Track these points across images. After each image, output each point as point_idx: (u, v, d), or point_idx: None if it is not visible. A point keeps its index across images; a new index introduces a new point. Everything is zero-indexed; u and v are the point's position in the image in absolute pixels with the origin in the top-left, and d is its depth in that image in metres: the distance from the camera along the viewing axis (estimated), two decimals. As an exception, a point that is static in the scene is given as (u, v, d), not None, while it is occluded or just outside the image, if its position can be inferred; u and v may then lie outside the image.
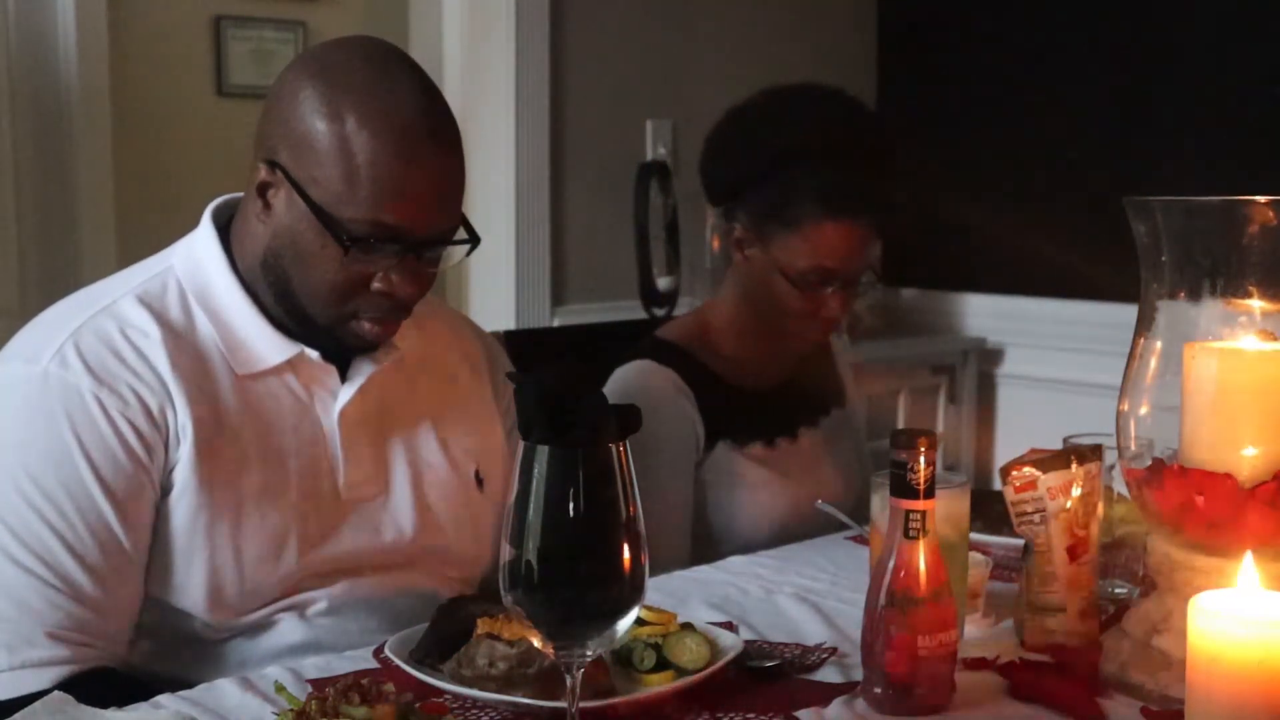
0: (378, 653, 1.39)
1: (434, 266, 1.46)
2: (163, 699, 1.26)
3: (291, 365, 1.48)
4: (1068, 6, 3.35)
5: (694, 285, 3.16)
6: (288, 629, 1.46)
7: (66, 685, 1.27)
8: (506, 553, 0.98)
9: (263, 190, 1.43)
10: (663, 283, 3.13)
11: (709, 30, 3.32)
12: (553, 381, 1.01)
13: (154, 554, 1.41)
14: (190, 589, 1.41)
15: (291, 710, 1.10)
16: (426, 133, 1.39)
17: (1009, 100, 3.45)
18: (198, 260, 1.49)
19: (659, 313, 3.06)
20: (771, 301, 1.98)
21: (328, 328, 1.46)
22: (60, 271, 2.80)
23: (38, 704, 1.15)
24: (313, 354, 1.48)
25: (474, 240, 1.49)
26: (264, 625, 1.45)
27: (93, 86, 2.73)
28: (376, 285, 1.41)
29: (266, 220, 1.44)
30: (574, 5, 3.09)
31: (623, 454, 0.99)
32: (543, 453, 0.97)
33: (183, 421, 1.40)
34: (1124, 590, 1.56)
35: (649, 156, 3.20)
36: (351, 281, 1.41)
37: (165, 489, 1.41)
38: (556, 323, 3.06)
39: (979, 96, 3.51)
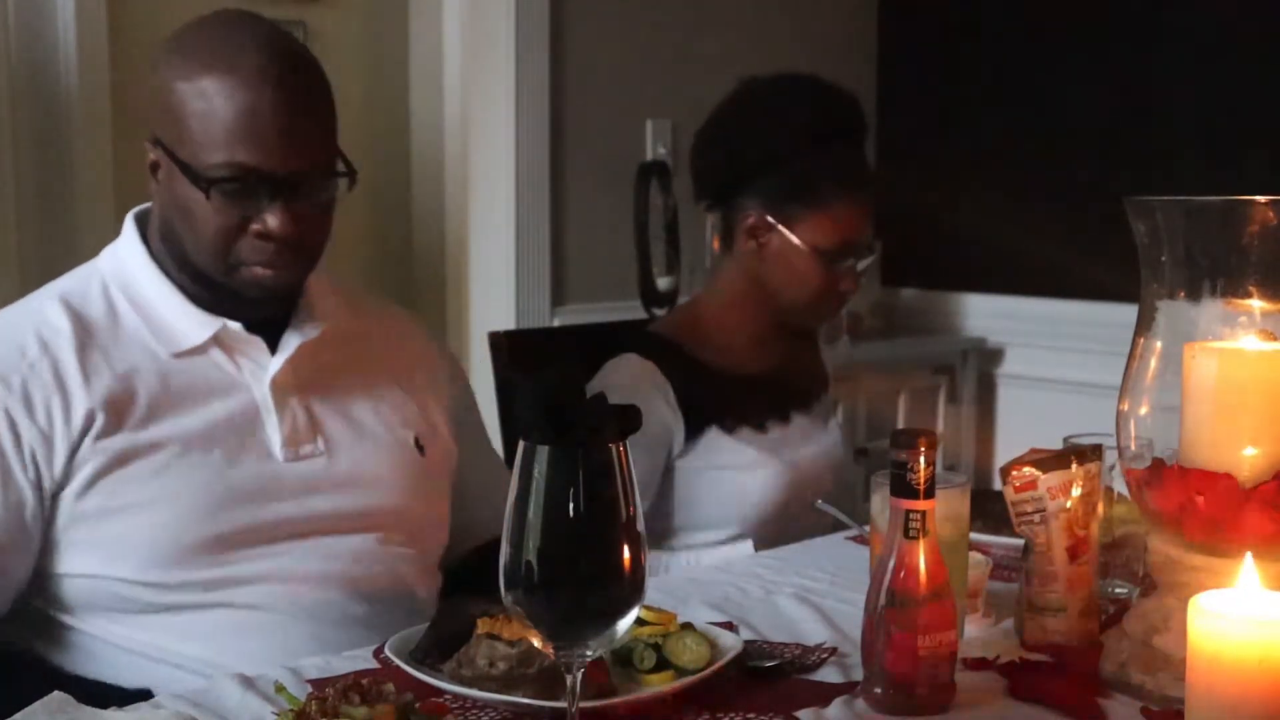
0: (378, 653, 1.39)
1: (314, 207, 1.51)
2: (163, 699, 1.26)
3: (218, 341, 1.54)
4: (1068, 6, 3.35)
5: (694, 285, 3.15)
6: (241, 596, 1.48)
7: None
8: (506, 553, 0.98)
9: (154, 169, 1.52)
10: (663, 283, 3.13)
11: (709, 30, 3.32)
12: (552, 382, 1.01)
13: (79, 533, 1.45)
14: (128, 554, 1.45)
15: (291, 710, 1.10)
16: (269, 71, 1.45)
17: (1009, 101, 3.45)
18: (121, 258, 1.58)
19: (659, 312, 3.05)
20: (793, 282, 2.05)
21: (223, 281, 1.51)
22: (60, 271, 2.79)
23: (37, 704, 1.15)
24: (234, 325, 1.54)
25: (350, 174, 1.54)
26: (215, 588, 1.47)
27: (93, 86, 2.73)
28: (254, 227, 1.47)
29: (159, 195, 1.53)
30: (574, 5, 3.09)
31: (623, 454, 0.98)
32: (543, 453, 0.97)
33: (84, 413, 1.45)
34: (1124, 590, 1.56)
35: (649, 156, 3.20)
36: (229, 228, 1.47)
37: (64, 479, 1.45)
38: (556, 323, 3.06)
39: (979, 97, 3.51)
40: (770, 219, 2.04)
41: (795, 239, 2.03)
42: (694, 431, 2.03)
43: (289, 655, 1.44)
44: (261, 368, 1.55)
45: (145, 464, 1.47)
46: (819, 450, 2.13)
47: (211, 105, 1.44)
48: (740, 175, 2.07)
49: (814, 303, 2.08)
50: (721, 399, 2.05)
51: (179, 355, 1.52)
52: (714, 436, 2.04)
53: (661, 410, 2.01)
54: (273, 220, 1.46)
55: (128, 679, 1.46)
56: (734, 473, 2.03)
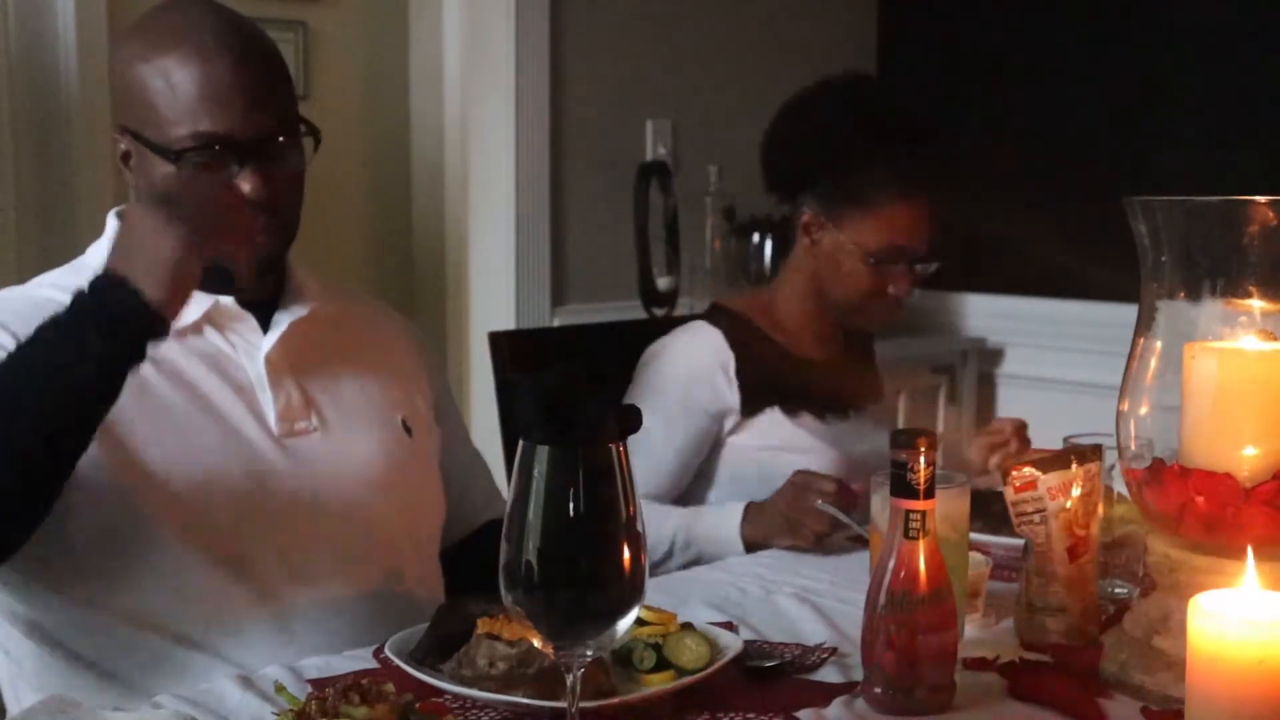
0: (378, 653, 1.39)
1: (284, 171, 1.52)
2: (163, 699, 1.26)
3: (210, 319, 1.55)
4: (1068, 6, 3.35)
5: (694, 285, 3.16)
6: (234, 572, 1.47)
7: None
8: (506, 553, 0.98)
9: (126, 160, 1.54)
10: (663, 283, 3.13)
11: (709, 30, 3.32)
12: (552, 381, 1.01)
13: (79, 491, 1.41)
14: (163, 515, 1.43)
15: (291, 710, 1.10)
16: (224, 43, 1.48)
17: (1009, 101, 3.45)
18: (106, 252, 1.56)
19: (659, 313, 3.06)
20: (843, 281, 2.12)
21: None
22: (60, 271, 2.79)
23: (37, 704, 1.15)
24: (226, 300, 1.55)
25: (314, 133, 1.56)
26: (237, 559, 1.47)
27: (93, 86, 2.73)
28: None
29: (134, 183, 1.55)
30: (574, 5, 3.09)
31: (623, 454, 0.98)
32: (543, 453, 0.97)
33: None
34: (1124, 590, 1.56)
35: (649, 156, 3.20)
36: None
37: None
38: (556, 323, 3.06)
39: (978, 97, 3.51)
40: (822, 218, 2.11)
41: (843, 239, 2.09)
42: (753, 409, 2.09)
43: (284, 639, 1.45)
44: (254, 346, 1.57)
45: (141, 438, 1.46)
46: (873, 449, 2.14)
47: (172, 81, 1.46)
48: (800, 174, 2.14)
49: (862, 302, 2.13)
50: (785, 381, 2.12)
51: (173, 334, 1.52)
52: (775, 417, 2.10)
53: (718, 383, 2.07)
54: (246, 185, 1.48)
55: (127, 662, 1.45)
56: (792, 455, 2.04)
